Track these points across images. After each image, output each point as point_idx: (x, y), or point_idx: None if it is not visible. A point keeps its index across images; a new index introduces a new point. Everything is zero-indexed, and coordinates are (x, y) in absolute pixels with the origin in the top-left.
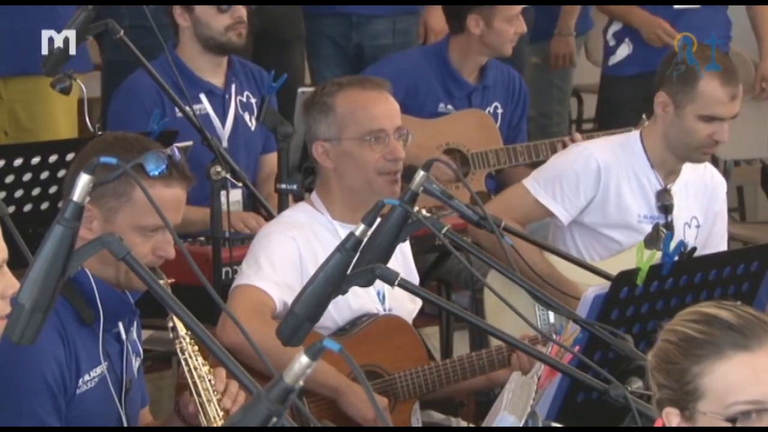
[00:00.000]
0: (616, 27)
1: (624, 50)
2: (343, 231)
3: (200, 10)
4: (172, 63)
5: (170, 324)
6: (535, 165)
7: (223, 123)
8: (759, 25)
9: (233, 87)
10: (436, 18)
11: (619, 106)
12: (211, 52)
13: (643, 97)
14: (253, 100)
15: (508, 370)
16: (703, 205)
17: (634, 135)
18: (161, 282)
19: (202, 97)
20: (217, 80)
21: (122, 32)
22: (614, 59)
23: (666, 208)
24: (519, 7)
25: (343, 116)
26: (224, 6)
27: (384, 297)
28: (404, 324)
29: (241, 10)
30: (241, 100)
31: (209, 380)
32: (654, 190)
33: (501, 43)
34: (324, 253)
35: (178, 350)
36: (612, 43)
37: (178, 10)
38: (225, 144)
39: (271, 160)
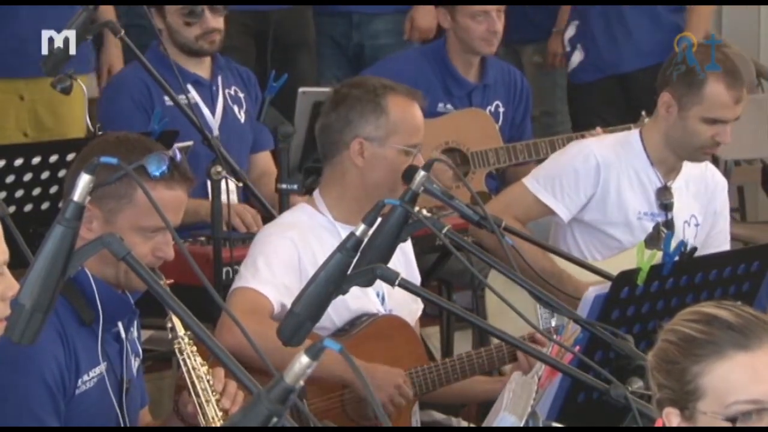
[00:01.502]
0: (570, 32)
1: (577, 56)
2: (344, 232)
3: (171, 18)
4: (166, 56)
5: (169, 324)
6: (539, 163)
7: (213, 112)
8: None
9: (220, 79)
10: (423, 16)
11: (584, 113)
12: (187, 55)
13: (601, 103)
14: (241, 95)
15: (512, 367)
16: (703, 204)
17: (634, 133)
18: (161, 282)
19: (190, 87)
20: (203, 72)
21: (122, 32)
22: (570, 65)
23: (666, 205)
24: (485, 5)
25: (395, 122)
26: (192, 19)
27: (384, 298)
28: (404, 324)
29: (211, 22)
30: (229, 93)
31: (208, 380)
32: (654, 188)
33: (470, 40)
34: (323, 254)
35: (177, 350)
36: (568, 48)
37: (154, 12)
38: (216, 133)
39: (263, 158)
